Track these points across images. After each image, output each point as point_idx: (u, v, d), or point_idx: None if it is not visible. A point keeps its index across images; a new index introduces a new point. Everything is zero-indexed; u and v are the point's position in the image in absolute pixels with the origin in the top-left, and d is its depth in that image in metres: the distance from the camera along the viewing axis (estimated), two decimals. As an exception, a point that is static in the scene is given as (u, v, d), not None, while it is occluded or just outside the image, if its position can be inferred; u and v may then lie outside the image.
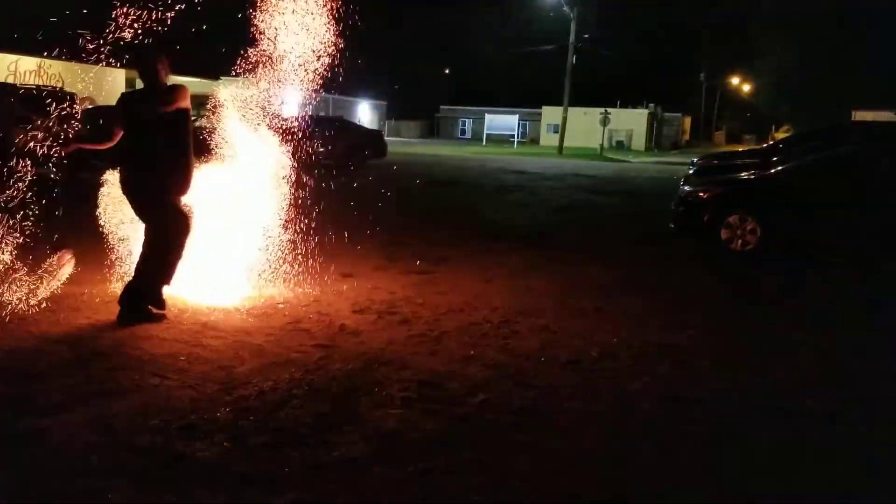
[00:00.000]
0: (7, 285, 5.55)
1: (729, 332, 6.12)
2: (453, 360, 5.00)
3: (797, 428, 4.13)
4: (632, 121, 56.28)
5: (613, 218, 13.40)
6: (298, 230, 7.73)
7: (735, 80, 69.18)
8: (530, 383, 4.64)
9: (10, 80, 21.00)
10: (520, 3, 56.30)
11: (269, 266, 6.86)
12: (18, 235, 5.87)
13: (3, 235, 5.77)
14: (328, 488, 3.26)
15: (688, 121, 71.11)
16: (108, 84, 26.49)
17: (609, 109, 46.45)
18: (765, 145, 21.62)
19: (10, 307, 5.39)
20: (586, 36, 47.44)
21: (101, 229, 6.25)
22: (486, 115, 57.62)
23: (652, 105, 59.39)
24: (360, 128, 28.25)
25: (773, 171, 10.28)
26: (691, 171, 14.81)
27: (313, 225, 8.97)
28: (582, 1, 45.26)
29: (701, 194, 9.93)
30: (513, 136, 54.18)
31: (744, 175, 10.91)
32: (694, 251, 10.04)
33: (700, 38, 65.72)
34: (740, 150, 24.52)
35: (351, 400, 4.23)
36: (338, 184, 17.91)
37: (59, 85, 19.74)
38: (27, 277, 5.67)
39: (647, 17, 61.02)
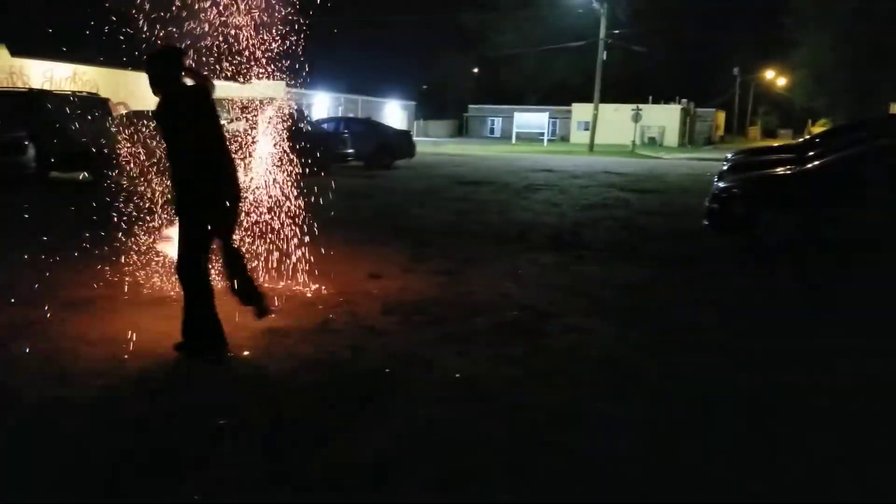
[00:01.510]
0: None
1: (760, 330, 5.99)
2: (482, 359, 4.96)
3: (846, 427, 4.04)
4: (664, 117, 55.66)
5: (645, 216, 13.24)
6: (327, 231, 7.74)
7: (770, 74, 68.13)
8: (560, 383, 4.59)
9: (47, 86, 21.35)
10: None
11: (299, 267, 6.87)
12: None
13: None
14: (358, 488, 3.25)
15: (721, 116, 70.16)
16: (141, 89, 26.92)
17: (641, 105, 45.96)
18: (801, 140, 21.24)
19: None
20: (617, 31, 47.03)
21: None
22: (515, 114, 57.38)
23: (684, 100, 58.70)
24: (389, 128, 28.28)
25: (810, 165, 10.06)
26: (725, 167, 14.58)
27: (341, 225, 8.98)
28: (611, -3, 44.91)
29: (735, 190, 9.75)
30: (542, 134, 53.90)
31: (780, 170, 10.69)
32: (728, 248, 9.87)
33: (734, 32, 64.87)
34: (775, 144, 24.12)
35: (380, 400, 4.22)
36: (366, 184, 17.99)
37: (95, 91, 20.04)
38: None
39: (678, 11, 60.22)
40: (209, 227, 4.67)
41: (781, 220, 9.04)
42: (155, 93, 4.73)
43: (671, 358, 5.16)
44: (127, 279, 6.50)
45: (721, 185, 10.75)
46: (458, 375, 4.63)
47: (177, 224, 4.81)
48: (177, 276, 4.88)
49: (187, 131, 4.62)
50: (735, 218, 9.51)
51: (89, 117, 15.58)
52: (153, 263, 6.61)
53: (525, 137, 54.64)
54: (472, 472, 3.41)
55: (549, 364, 4.93)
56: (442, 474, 3.38)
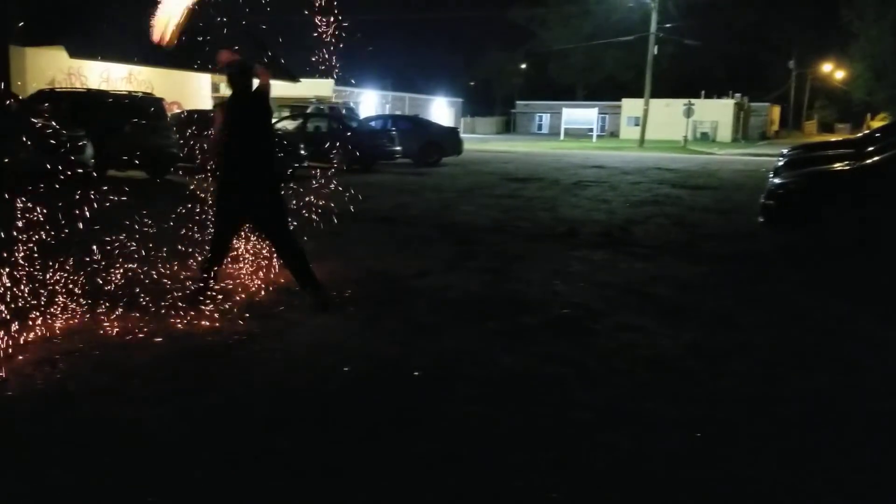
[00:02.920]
0: None
1: (816, 331, 5.81)
2: (532, 356, 4.92)
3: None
4: (717, 112, 54.66)
5: (698, 212, 13.00)
6: (374, 228, 7.77)
7: (827, 67, 66.33)
8: (610, 382, 4.52)
9: (104, 86, 21.87)
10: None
11: (346, 264, 6.91)
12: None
13: None
14: (410, 482, 3.25)
15: (776, 110, 68.60)
16: (194, 88, 27.35)
17: (692, 100, 45.24)
18: (860, 135, 20.63)
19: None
20: (668, 26, 46.32)
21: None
22: (564, 110, 56.92)
23: (738, 95, 57.56)
24: (436, 125, 28.33)
25: (871, 160, 9.72)
26: (781, 163, 14.22)
27: (388, 222, 9.00)
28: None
29: (792, 187, 9.48)
30: (591, 130, 53.40)
31: (838, 166, 10.37)
32: (784, 246, 9.63)
33: (789, 24, 63.19)
34: (833, 139, 23.46)
35: (431, 396, 4.22)
36: (413, 181, 18.04)
37: (150, 91, 20.46)
38: None
39: (732, 3, 58.95)
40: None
41: (841, 218, 8.75)
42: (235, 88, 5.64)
43: (724, 359, 5.04)
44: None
45: (777, 181, 10.46)
46: (506, 373, 4.60)
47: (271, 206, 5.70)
48: (285, 245, 5.80)
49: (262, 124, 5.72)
50: (792, 215, 9.25)
51: (145, 117, 15.93)
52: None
53: (573, 134, 54.22)
54: (519, 470, 3.37)
55: (599, 363, 4.86)
56: (490, 471, 3.36)
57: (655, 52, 43.96)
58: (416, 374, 4.57)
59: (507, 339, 5.33)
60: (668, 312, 6.18)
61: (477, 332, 5.46)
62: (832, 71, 65.97)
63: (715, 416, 4.06)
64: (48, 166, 12.56)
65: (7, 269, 5.49)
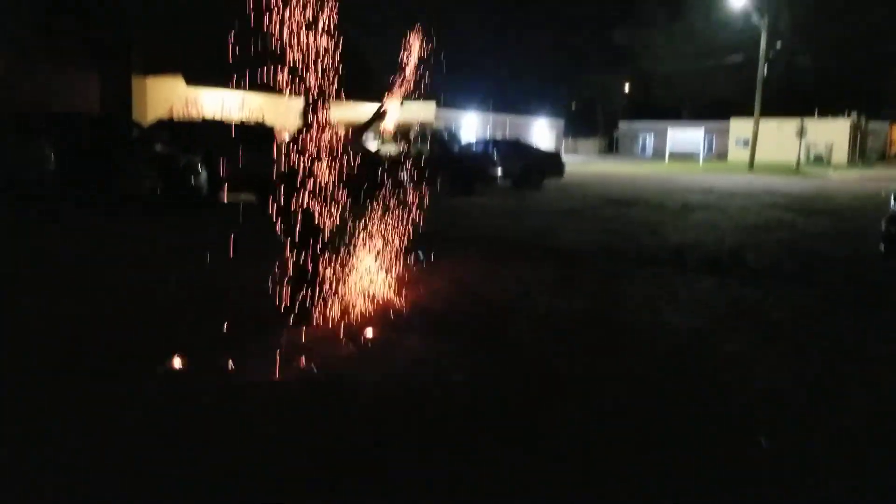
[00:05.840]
0: None
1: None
2: (636, 383, 4.81)
3: None
4: (831, 132, 52.23)
5: (813, 239, 12.40)
6: (476, 251, 7.78)
7: (954, 84, 62.37)
8: (721, 414, 4.35)
9: (218, 113, 22.90)
10: (705, 13, 54.30)
11: (448, 286, 6.94)
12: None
13: None
14: (510, 496, 3.19)
15: (897, 130, 64.94)
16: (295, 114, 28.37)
17: (805, 120, 43.39)
18: None
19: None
20: (778, 47, 44.65)
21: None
22: (669, 130, 55.64)
23: (854, 114, 54.85)
24: (537, 149, 28.37)
25: None
26: (904, 186, 13.43)
27: (490, 245, 8.98)
28: (773, 8, 42.73)
29: (917, 212, 8.92)
30: (698, 151, 51.94)
31: (969, 189, 9.69)
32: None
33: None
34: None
35: (530, 419, 4.17)
36: (515, 204, 18.01)
37: (261, 116, 21.28)
38: None
39: (845, 19, 56.29)
40: None
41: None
42: None
43: (844, 394, 4.76)
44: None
45: (900, 206, 9.87)
46: (608, 402, 4.49)
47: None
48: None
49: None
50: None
51: (256, 144, 16.53)
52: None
53: (678, 156, 52.93)
54: (637, 483, 3.28)
55: (710, 395, 4.68)
56: (605, 480, 3.28)
57: (765, 72, 42.39)
58: (515, 397, 4.52)
59: (610, 365, 5.21)
60: (781, 343, 5.90)
61: (579, 357, 5.37)
62: (960, 87, 61.96)
63: (836, 453, 3.84)
64: (167, 190, 13.30)
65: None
